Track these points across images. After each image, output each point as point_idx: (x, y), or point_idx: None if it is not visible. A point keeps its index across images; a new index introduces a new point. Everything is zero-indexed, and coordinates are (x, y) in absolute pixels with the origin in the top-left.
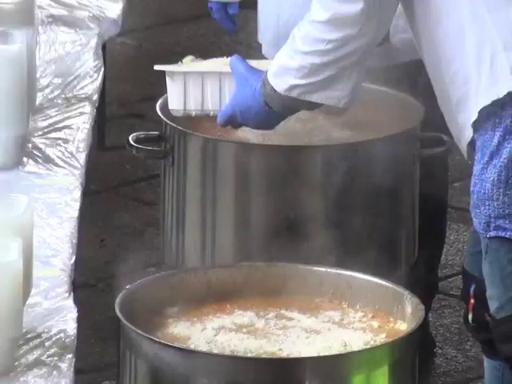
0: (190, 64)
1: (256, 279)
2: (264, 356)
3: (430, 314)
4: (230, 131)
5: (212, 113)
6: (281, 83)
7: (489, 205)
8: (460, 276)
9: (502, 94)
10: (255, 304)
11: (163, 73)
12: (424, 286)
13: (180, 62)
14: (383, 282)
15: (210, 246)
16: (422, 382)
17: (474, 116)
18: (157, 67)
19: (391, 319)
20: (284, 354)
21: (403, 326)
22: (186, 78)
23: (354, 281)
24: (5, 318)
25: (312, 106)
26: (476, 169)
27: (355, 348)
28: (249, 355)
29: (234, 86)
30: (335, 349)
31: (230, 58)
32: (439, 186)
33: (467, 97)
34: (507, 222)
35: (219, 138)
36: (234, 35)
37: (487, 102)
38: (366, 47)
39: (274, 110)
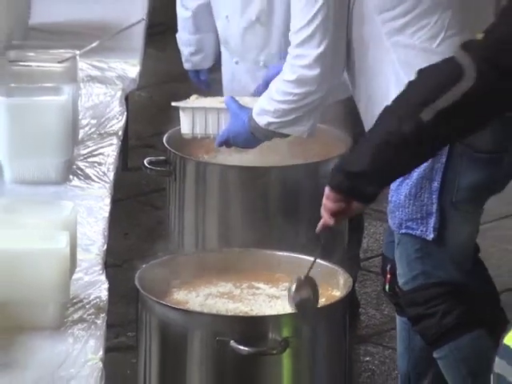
0: (194, 101)
1: (233, 260)
2: (240, 314)
3: (356, 285)
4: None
5: (212, 136)
6: (262, 120)
7: (402, 211)
8: (377, 258)
9: None
10: (233, 278)
11: (168, 116)
12: (351, 264)
13: (188, 99)
14: (323, 262)
15: (201, 237)
16: (351, 333)
17: None
18: (173, 104)
19: (329, 288)
20: (254, 313)
21: (337, 293)
22: (194, 111)
23: (303, 261)
24: (57, 289)
25: (284, 136)
26: (393, 185)
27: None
28: (229, 314)
29: (228, 117)
30: (290, 309)
31: (224, 98)
32: None
33: None
34: (414, 224)
35: (206, 161)
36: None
37: None
38: (322, 97)
39: (257, 137)
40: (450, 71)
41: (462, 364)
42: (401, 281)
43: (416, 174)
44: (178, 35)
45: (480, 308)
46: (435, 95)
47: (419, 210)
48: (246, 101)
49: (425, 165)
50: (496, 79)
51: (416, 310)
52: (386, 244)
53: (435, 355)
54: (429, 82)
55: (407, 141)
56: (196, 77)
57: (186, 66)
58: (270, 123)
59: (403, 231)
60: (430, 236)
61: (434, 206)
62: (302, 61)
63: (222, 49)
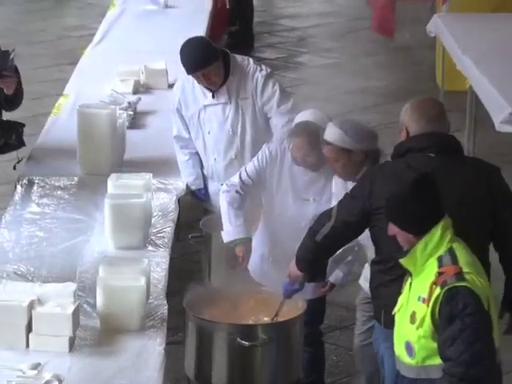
0: None
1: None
2: (243, 323)
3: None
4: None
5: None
6: None
7: None
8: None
9: None
10: (236, 300)
11: (202, 211)
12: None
13: None
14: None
15: (219, 279)
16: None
17: None
18: None
19: (292, 309)
20: (250, 322)
21: (297, 312)
22: None
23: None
24: (139, 308)
25: None
26: None
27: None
28: (236, 323)
29: None
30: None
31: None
32: None
33: None
34: None
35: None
36: None
37: None
38: None
39: None
40: (326, 215)
41: None
42: None
43: None
44: (181, 173)
45: None
46: (321, 227)
47: None
48: None
49: None
50: (346, 220)
51: None
52: None
53: None
54: (320, 221)
55: (311, 249)
56: (199, 192)
57: (192, 187)
58: None
59: None
60: None
61: None
62: None
63: (209, 176)
